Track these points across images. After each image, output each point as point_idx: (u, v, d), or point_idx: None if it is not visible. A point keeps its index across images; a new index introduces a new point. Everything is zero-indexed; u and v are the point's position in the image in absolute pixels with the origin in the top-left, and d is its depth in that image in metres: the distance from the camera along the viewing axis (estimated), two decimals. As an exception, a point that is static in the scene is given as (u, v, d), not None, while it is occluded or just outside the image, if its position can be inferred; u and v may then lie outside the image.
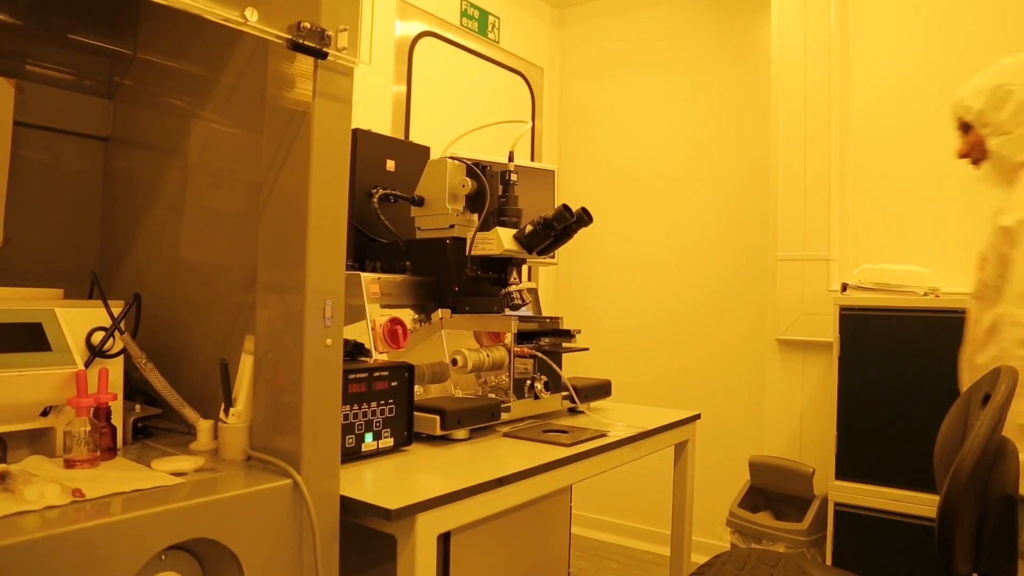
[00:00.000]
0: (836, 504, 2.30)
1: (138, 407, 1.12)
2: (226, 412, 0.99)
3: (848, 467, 2.29)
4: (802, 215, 2.78)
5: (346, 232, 0.96)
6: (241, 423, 0.98)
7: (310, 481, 0.90)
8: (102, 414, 0.96)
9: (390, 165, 1.80)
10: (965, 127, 1.73)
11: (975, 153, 1.71)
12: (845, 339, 2.30)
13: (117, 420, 1.02)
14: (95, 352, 1.01)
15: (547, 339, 1.55)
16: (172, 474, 0.89)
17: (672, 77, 3.39)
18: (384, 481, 1.09)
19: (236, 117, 1.15)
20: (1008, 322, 1.48)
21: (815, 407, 2.74)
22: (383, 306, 1.48)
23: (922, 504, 2.14)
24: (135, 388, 1.15)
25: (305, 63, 0.92)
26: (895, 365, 2.22)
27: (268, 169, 0.97)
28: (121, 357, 1.05)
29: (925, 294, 2.25)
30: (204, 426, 1.03)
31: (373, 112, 2.67)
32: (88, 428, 0.91)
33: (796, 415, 2.81)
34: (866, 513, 2.24)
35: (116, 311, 1.05)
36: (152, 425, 1.17)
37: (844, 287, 2.40)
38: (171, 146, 1.30)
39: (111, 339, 1.03)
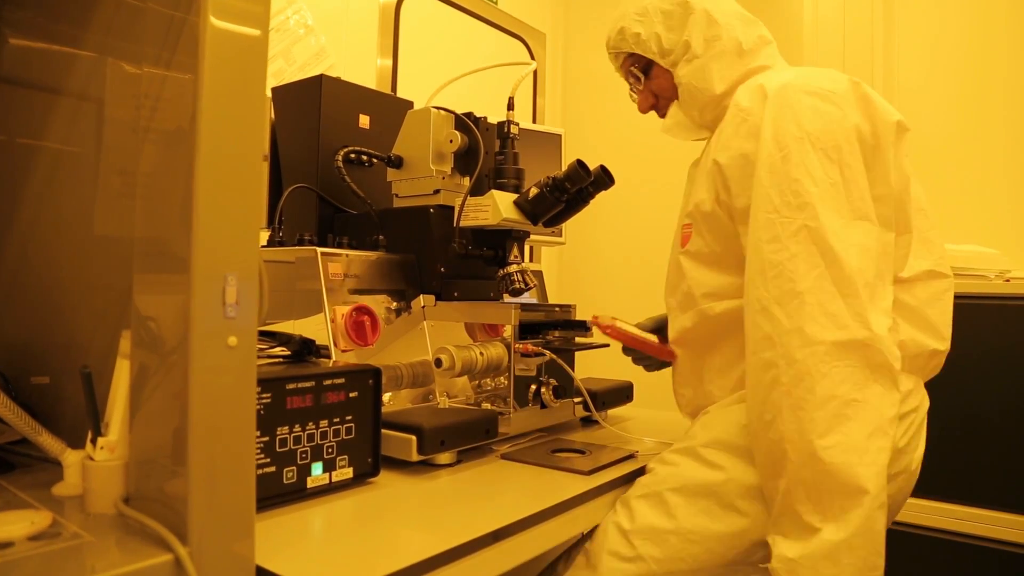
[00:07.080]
0: (889, 522, 1.99)
1: (-8, 430, 0.81)
2: (94, 443, 0.67)
3: (903, 479, 1.98)
4: (840, 191, 2.45)
5: (264, 177, 0.65)
6: (114, 460, 0.67)
7: (203, 550, 0.59)
8: (-97, 448, 0.65)
9: (364, 121, 1.48)
10: (642, 70, 1.21)
11: (663, 97, 1.21)
12: (900, 331, 1.98)
13: (-56, 452, 0.71)
14: (-91, 355, 0.71)
15: (556, 333, 1.24)
16: (-11, 545, 0.58)
17: (690, 41, 3.05)
18: (333, 535, 0.78)
19: (129, 41, 0.83)
20: None
21: (856, 408, 2.42)
22: (351, 291, 1.17)
23: (997, 525, 1.83)
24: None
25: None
26: (960, 360, 1.88)
27: (148, 81, 0.66)
28: (-41, 362, 0.75)
29: (995, 278, 1.93)
30: (72, 460, 0.72)
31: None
32: None
33: (833, 416, 2.49)
34: (925, 534, 1.92)
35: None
36: (24, 453, 0.86)
37: (898, 271, 2.07)
38: (67, 87, 0.99)
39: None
